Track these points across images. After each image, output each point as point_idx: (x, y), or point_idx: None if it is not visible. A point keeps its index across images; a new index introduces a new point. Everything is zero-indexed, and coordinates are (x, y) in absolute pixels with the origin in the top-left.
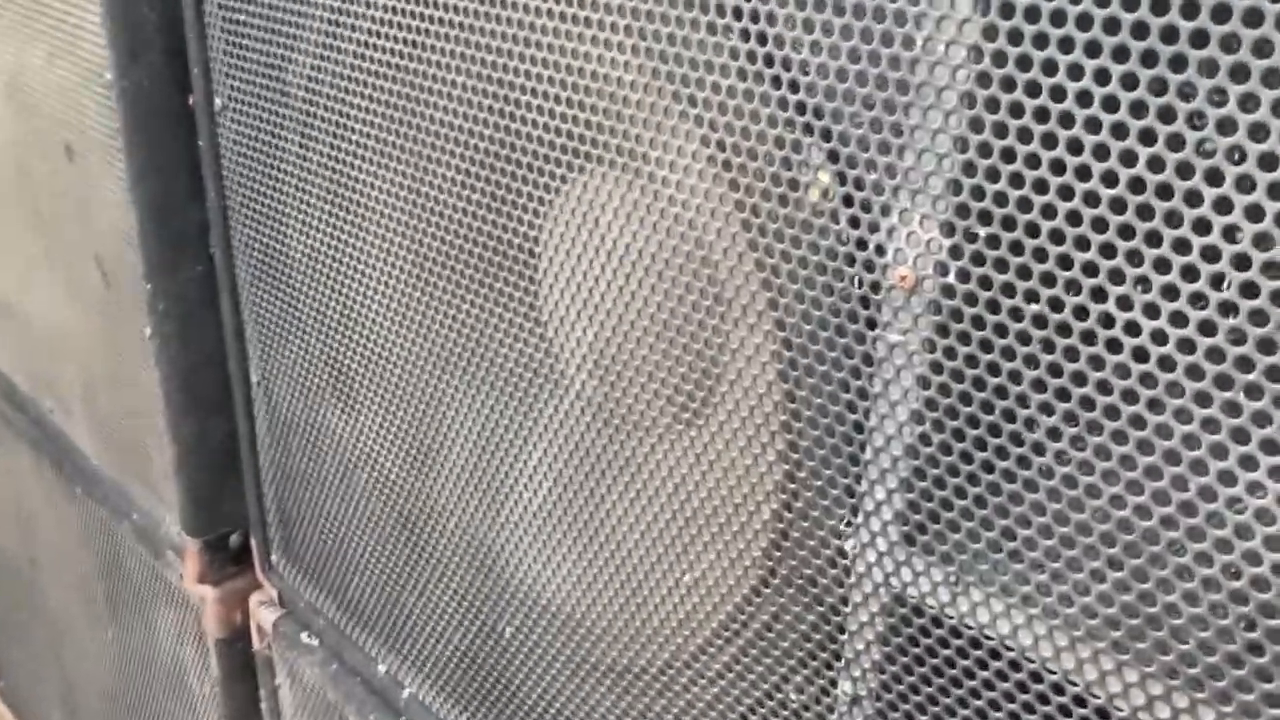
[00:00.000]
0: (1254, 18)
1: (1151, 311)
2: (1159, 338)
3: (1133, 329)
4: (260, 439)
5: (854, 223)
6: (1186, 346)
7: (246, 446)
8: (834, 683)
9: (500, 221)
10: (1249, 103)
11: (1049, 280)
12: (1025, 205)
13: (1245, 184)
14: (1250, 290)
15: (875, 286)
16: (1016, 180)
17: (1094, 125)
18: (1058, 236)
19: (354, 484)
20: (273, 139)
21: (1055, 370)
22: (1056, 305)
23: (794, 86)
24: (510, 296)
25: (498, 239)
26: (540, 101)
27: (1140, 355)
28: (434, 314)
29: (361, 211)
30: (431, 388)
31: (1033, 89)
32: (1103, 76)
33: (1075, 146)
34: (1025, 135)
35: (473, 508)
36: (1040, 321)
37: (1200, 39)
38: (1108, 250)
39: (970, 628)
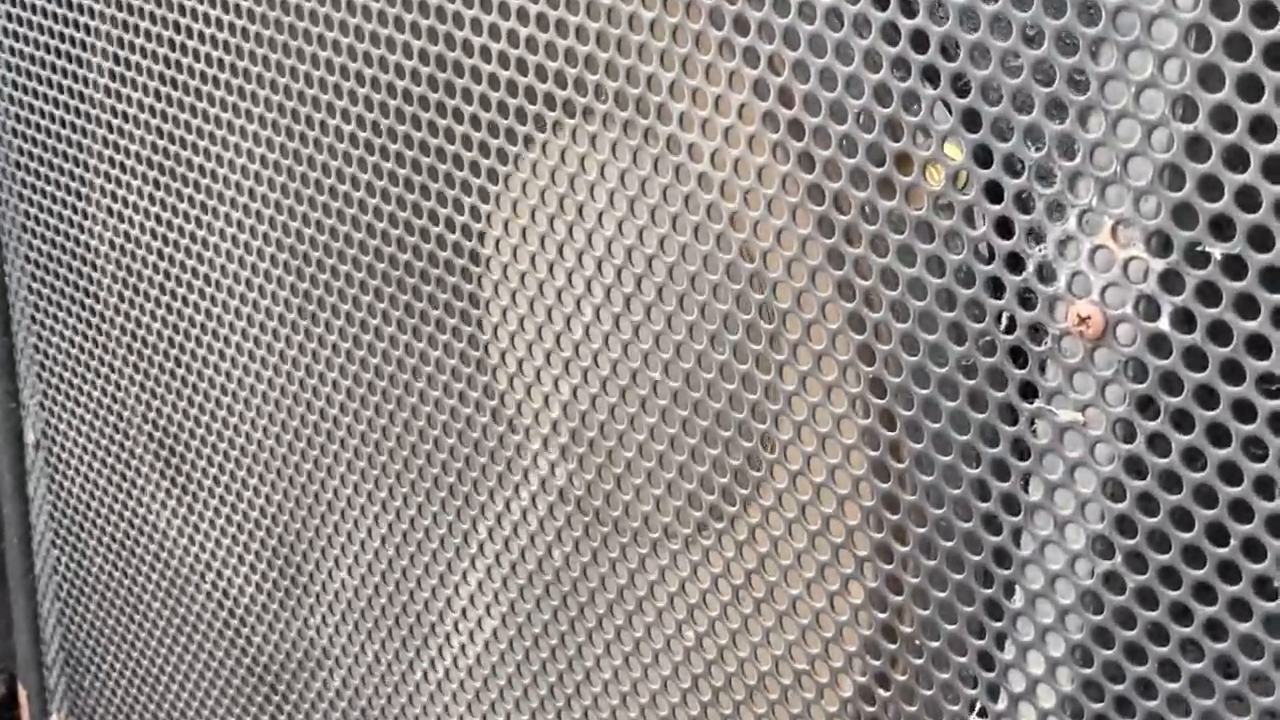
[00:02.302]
0: None
1: None
2: None
3: None
4: (38, 534)
5: (1002, 227)
6: None
7: (15, 546)
8: None
9: (427, 207)
10: None
11: None
12: None
13: None
14: None
15: (1035, 331)
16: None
17: None
18: None
19: (184, 610)
20: (70, 50)
21: None
22: None
23: (909, 7)
24: (438, 327)
25: (421, 236)
26: (491, 18)
27: None
28: (317, 353)
29: (212, 185)
30: (309, 467)
31: None
32: None
33: None
34: None
35: (370, 658)
36: None
37: None
38: None
39: None
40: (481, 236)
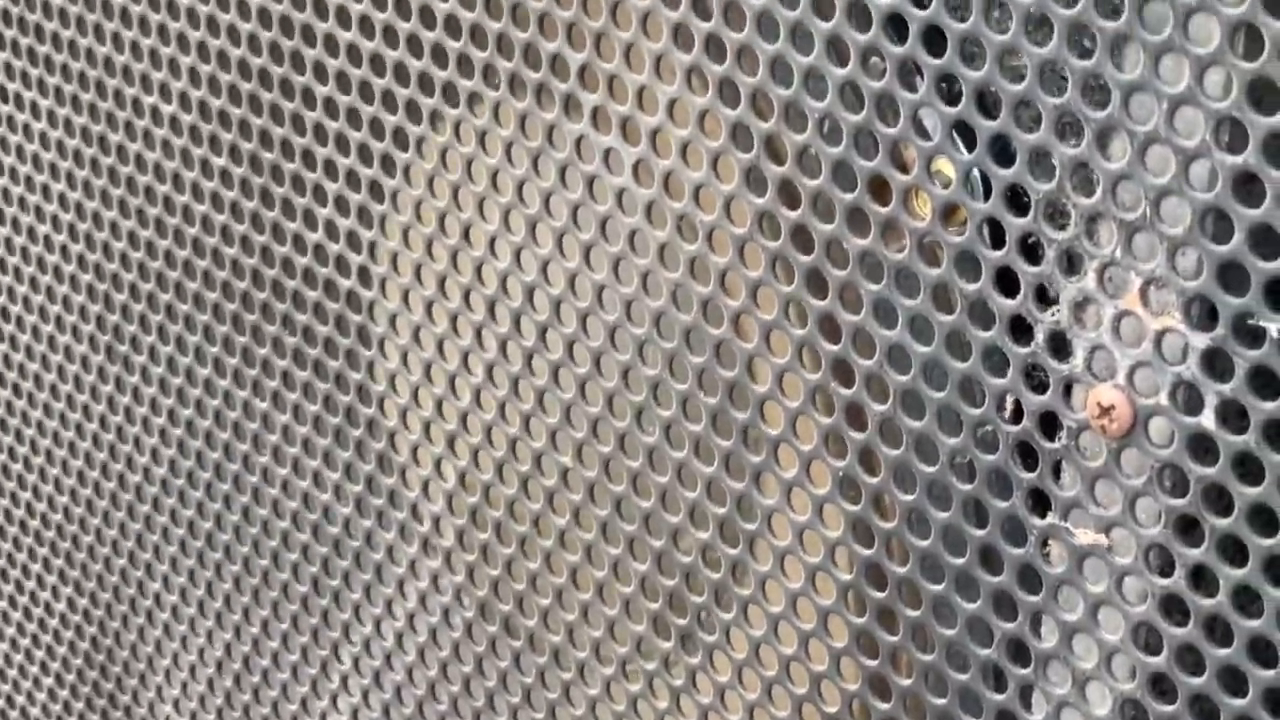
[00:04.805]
0: None
1: None
2: None
3: None
4: None
5: (1003, 282)
6: None
7: None
8: None
9: (269, 218)
10: None
11: None
12: None
13: None
14: None
15: (1048, 423)
16: None
17: None
18: None
19: None
20: None
21: None
22: None
23: None
24: (285, 381)
25: (263, 258)
26: None
27: None
28: (130, 410)
29: None
30: (123, 563)
31: None
32: None
33: None
34: None
35: None
36: None
37: None
38: None
39: None
40: (341, 263)
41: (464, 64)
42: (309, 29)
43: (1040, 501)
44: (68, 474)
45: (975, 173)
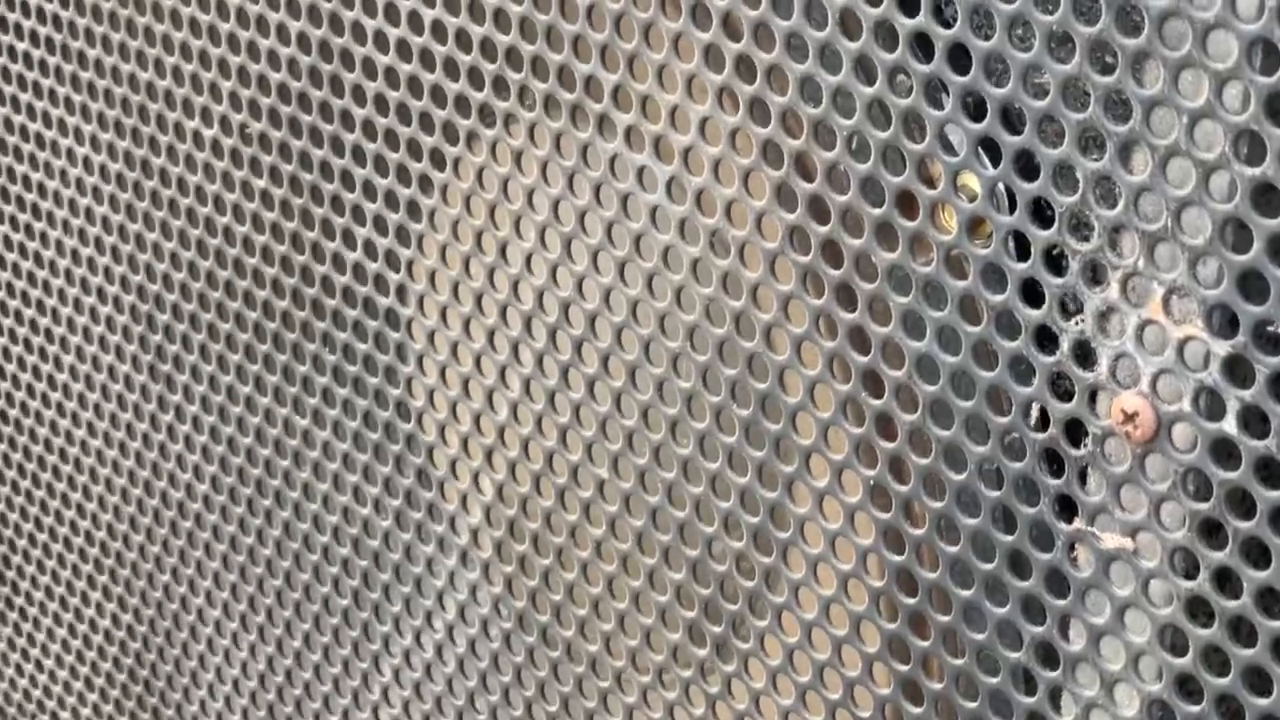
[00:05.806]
0: None
1: None
2: None
3: None
4: None
5: (1029, 292)
6: None
7: None
8: None
9: (309, 238)
10: None
11: None
12: None
13: None
14: None
15: (1073, 430)
16: None
17: None
18: None
19: None
20: None
21: None
22: None
23: (908, 3)
24: (325, 398)
25: (303, 278)
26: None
27: None
28: (173, 428)
29: (40, 202)
30: (166, 579)
31: None
32: None
33: None
34: None
35: None
36: None
37: None
38: None
39: None
40: (379, 281)
41: (500, 85)
42: (347, 53)
43: (1067, 507)
44: (112, 491)
45: (1000, 187)
